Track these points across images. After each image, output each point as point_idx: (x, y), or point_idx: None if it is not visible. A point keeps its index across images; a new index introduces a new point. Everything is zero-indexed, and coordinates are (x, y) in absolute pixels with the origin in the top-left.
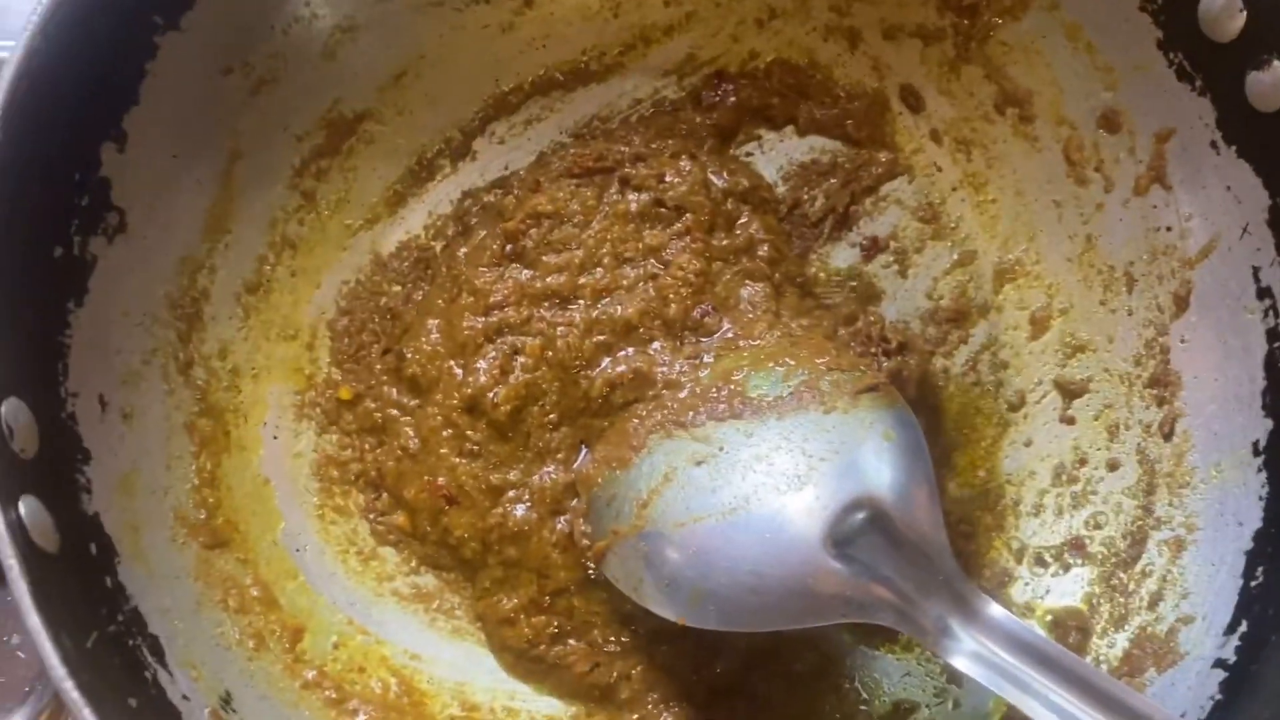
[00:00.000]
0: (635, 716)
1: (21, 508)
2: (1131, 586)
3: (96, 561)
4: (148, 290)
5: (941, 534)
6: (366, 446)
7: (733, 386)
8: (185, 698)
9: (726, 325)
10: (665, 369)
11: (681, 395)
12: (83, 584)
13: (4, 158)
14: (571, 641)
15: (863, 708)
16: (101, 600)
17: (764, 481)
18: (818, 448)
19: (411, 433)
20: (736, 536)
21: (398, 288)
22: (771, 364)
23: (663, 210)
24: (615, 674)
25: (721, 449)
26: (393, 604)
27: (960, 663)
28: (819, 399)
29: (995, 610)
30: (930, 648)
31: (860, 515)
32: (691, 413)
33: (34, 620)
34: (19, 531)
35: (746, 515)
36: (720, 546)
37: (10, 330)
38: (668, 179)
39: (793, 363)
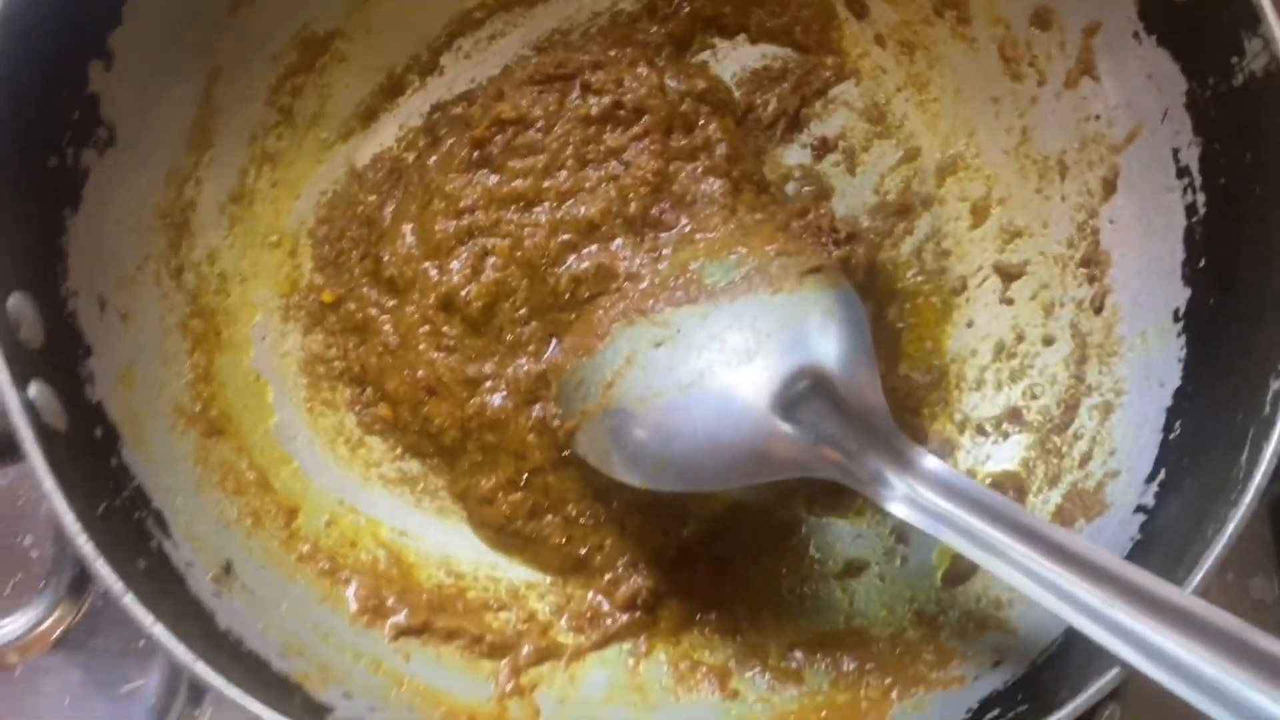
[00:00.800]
0: (607, 578)
1: (32, 390)
2: (1064, 449)
3: (101, 444)
4: (139, 200)
5: (880, 398)
6: (350, 345)
7: (689, 275)
8: (189, 564)
9: (684, 221)
10: (627, 263)
11: (642, 286)
12: (90, 463)
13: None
14: (547, 517)
15: (817, 567)
16: (108, 477)
17: (717, 358)
18: (766, 325)
19: (391, 330)
20: (693, 408)
21: (373, 197)
22: (725, 253)
23: (622, 113)
24: (588, 545)
25: (679, 331)
26: (380, 487)
27: (897, 508)
28: (768, 281)
29: (929, 460)
30: (870, 496)
31: (805, 383)
32: (651, 301)
33: (49, 484)
34: (31, 410)
35: (701, 388)
36: (679, 418)
37: (13, 231)
38: (626, 83)
39: (744, 251)
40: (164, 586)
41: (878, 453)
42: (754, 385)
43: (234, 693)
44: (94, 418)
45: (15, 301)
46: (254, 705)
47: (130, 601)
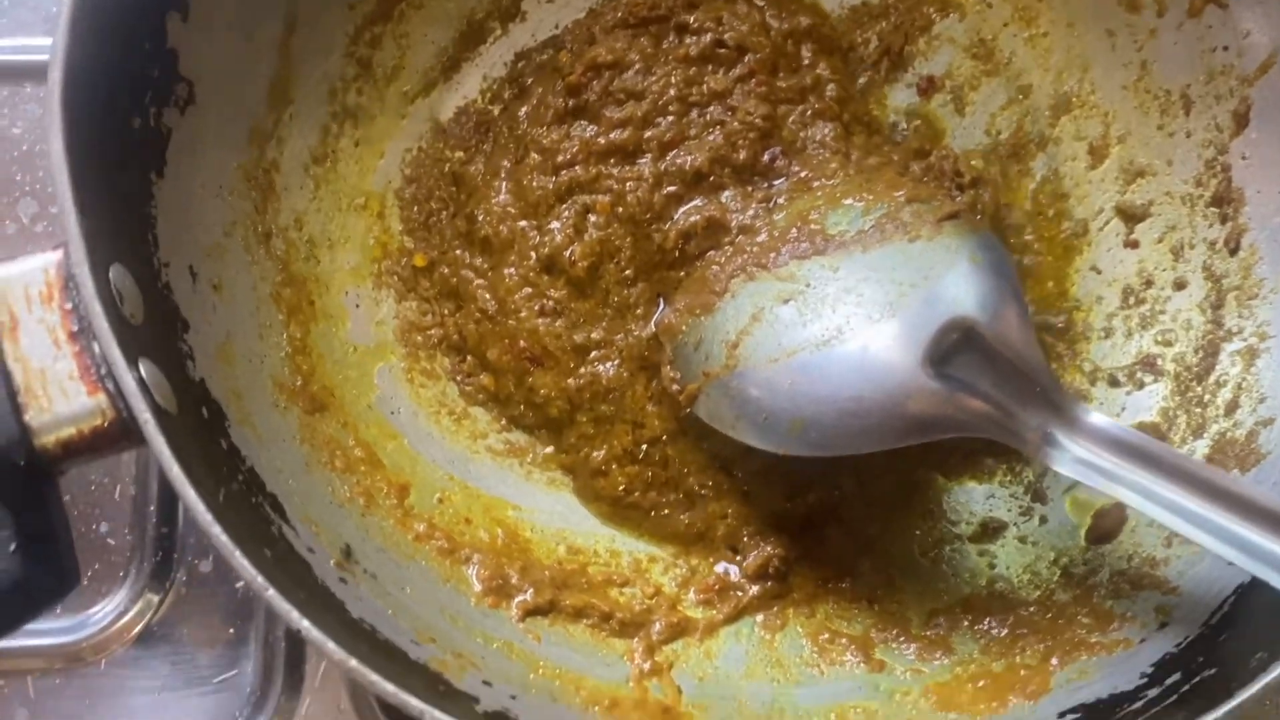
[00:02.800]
0: (732, 550)
1: (141, 369)
2: (1207, 397)
3: (210, 425)
4: (221, 162)
5: (1035, 349)
6: (446, 311)
7: (811, 226)
8: (311, 550)
9: (797, 168)
10: (739, 215)
11: (759, 239)
12: (202, 445)
13: (80, 27)
14: (666, 489)
15: (951, 529)
16: (221, 461)
17: (855, 312)
18: (907, 275)
19: (488, 295)
20: (831, 366)
21: (460, 153)
22: (849, 200)
23: (723, 52)
24: (711, 515)
25: (808, 285)
26: (488, 460)
27: (1066, 468)
28: (902, 229)
29: (1095, 416)
30: (1033, 455)
31: (955, 336)
32: (773, 254)
33: (175, 471)
34: (146, 391)
35: (841, 345)
36: (816, 377)
37: (107, 198)
38: (725, 21)
39: (870, 197)
40: (294, 576)
41: (1040, 409)
42: (900, 340)
43: (389, 689)
44: (199, 397)
45: (116, 274)
46: (414, 703)
47: (274, 596)
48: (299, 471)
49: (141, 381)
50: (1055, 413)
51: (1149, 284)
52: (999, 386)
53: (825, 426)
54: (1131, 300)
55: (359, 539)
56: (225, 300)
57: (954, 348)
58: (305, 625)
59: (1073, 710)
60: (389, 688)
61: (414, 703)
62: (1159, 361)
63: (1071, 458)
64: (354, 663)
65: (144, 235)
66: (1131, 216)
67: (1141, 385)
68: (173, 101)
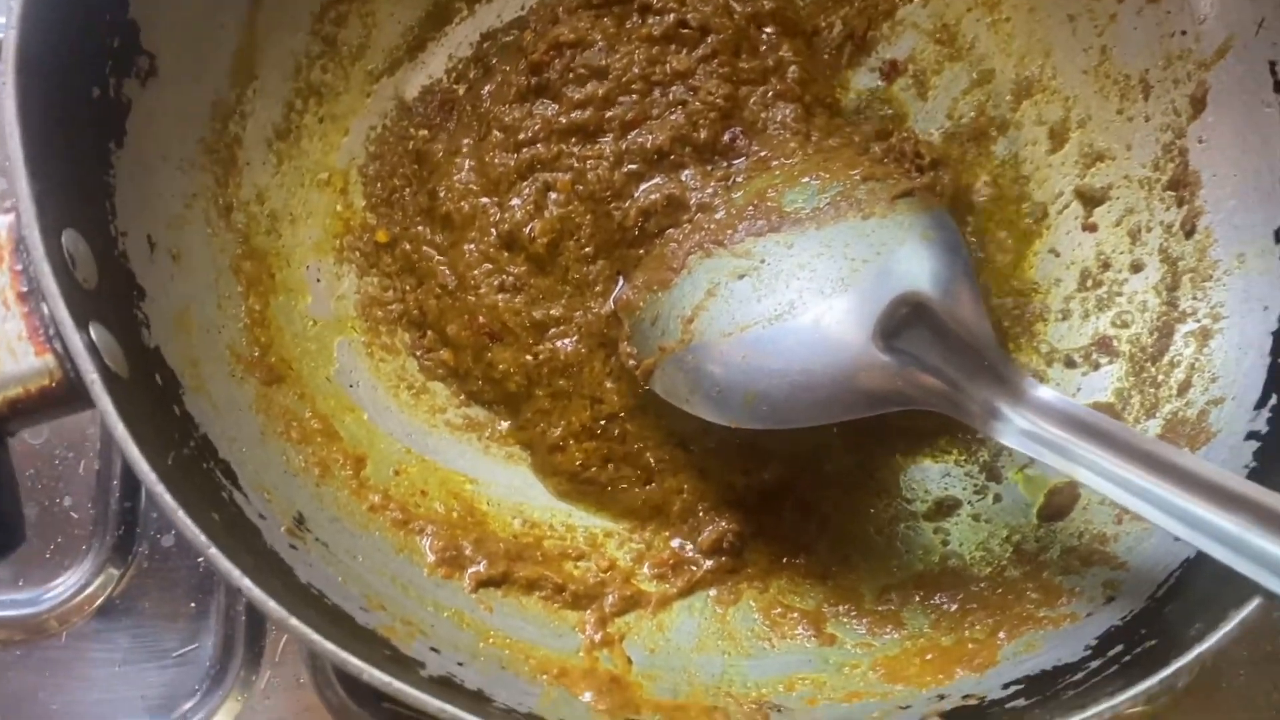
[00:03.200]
0: (687, 525)
1: (92, 332)
2: (1160, 377)
3: (163, 391)
4: (183, 134)
5: (985, 324)
6: (407, 287)
7: (769, 203)
8: (262, 516)
9: (757, 148)
10: (698, 194)
11: (717, 216)
12: (154, 410)
13: None
14: (623, 464)
15: (906, 507)
16: (173, 426)
17: (808, 286)
18: (859, 251)
19: (448, 271)
20: (784, 340)
21: (424, 131)
22: (806, 178)
23: (686, 32)
24: (667, 491)
25: (763, 261)
26: (446, 434)
27: (1011, 440)
28: (857, 206)
29: (1041, 390)
30: (980, 429)
31: (905, 310)
32: (730, 231)
33: (121, 430)
34: (95, 354)
35: (793, 319)
36: (769, 351)
37: (62, 167)
38: (688, 2)
39: (827, 176)
40: (242, 540)
41: (988, 383)
42: (851, 314)
43: (328, 648)
44: (153, 363)
45: (69, 239)
46: (353, 662)
47: (216, 555)
48: (254, 440)
49: (91, 344)
50: (1002, 387)
51: (1106, 266)
52: (948, 361)
53: (777, 400)
54: (1089, 283)
55: (312, 508)
56: (184, 270)
57: (904, 322)
58: (247, 584)
59: (1016, 682)
60: (329, 647)
61: (355, 663)
62: (1114, 343)
63: (1017, 430)
64: (294, 621)
65: (101, 203)
66: (1090, 200)
67: (1097, 366)
68: (134, 73)
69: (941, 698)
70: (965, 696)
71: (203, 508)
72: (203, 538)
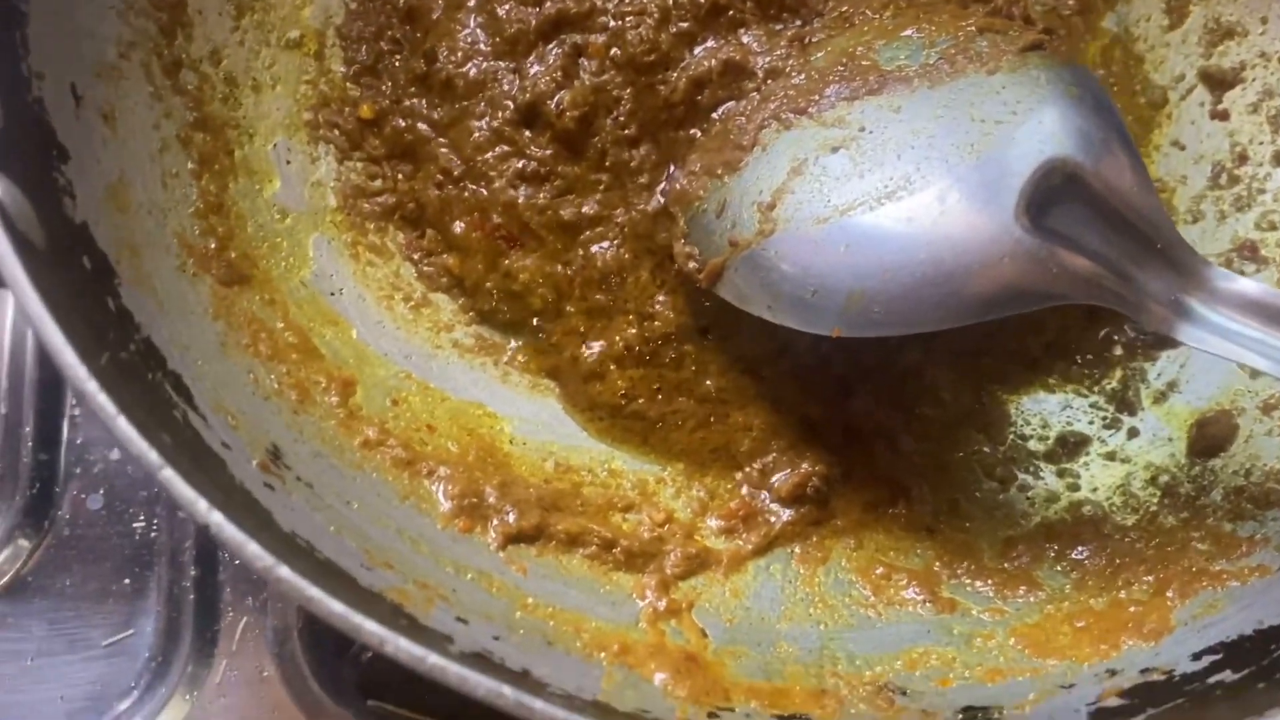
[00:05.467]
0: (759, 468)
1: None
2: None
3: (94, 278)
4: None
5: (1153, 197)
6: (400, 175)
7: (862, 62)
8: (225, 445)
9: (834, 1)
10: (764, 57)
11: (795, 81)
12: (82, 300)
13: None
14: (677, 395)
15: (1023, 445)
16: (107, 324)
17: (928, 155)
18: (989, 111)
19: (452, 155)
20: (898, 225)
21: None
22: (907, 31)
23: None
24: (732, 427)
25: (863, 129)
26: (455, 357)
27: (1202, 342)
28: (978, 59)
29: (1232, 278)
30: (1159, 328)
31: (1055, 181)
32: (814, 97)
33: (37, 307)
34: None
35: (910, 196)
36: (880, 238)
37: None
38: None
39: (932, 28)
40: (203, 470)
41: (1164, 271)
42: (987, 187)
43: (336, 610)
44: (79, 241)
45: None
46: (373, 630)
47: (170, 478)
48: (212, 352)
49: None
50: (1183, 274)
51: (1243, 160)
52: (1110, 243)
53: (892, 298)
54: (1223, 179)
55: (290, 439)
56: (119, 134)
57: (1055, 195)
58: (215, 519)
59: (1210, 650)
60: (337, 608)
61: (377, 630)
62: (1260, 247)
63: (1211, 329)
64: (285, 571)
65: (11, 31)
66: (1219, 83)
67: (1242, 274)
68: None
69: (1113, 674)
70: (1144, 671)
71: (149, 425)
72: (153, 455)
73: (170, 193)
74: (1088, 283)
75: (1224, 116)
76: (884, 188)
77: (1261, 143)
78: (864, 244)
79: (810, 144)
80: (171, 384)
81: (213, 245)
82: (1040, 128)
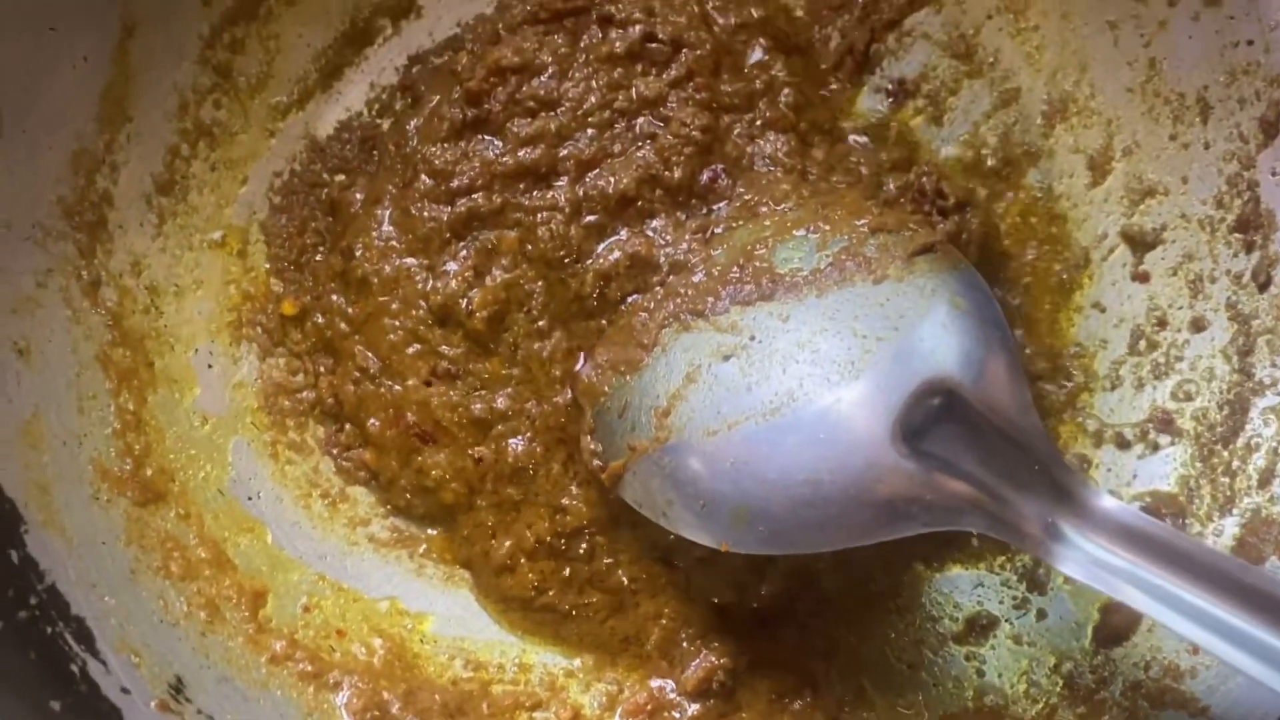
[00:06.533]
0: (667, 659)
1: None
2: (1235, 464)
3: None
4: (34, 196)
5: (1031, 415)
6: (321, 369)
7: (757, 263)
8: (125, 690)
9: (741, 190)
10: (669, 250)
11: (695, 279)
12: None
13: None
14: (589, 587)
15: (932, 628)
16: (6, 582)
17: (810, 372)
18: (872, 325)
19: (368, 352)
20: (783, 441)
21: (340, 176)
22: (802, 231)
23: (655, 48)
24: (643, 616)
25: (753, 338)
26: (370, 552)
27: (1074, 570)
28: (865, 267)
29: (1108, 501)
30: (1036, 554)
31: (934, 401)
32: (710, 298)
33: None
34: None
35: (793, 414)
36: (765, 454)
37: None
38: (658, 11)
39: (827, 227)
40: None
41: (1040, 495)
42: (865, 409)
43: None
44: None
45: None
46: None
47: None
48: (121, 583)
49: None
50: (1059, 495)
51: (1162, 324)
52: (987, 465)
53: (775, 517)
54: (1142, 344)
55: (195, 667)
56: (34, 367)
57: (932, 415)
58: None
59: None
60: None
61: None
62: (1176, 419)
63: (1084, 557)
64: None
65: None
66: (1140, 243)
67: (1156, 448)
68: None
69: None
70: None
71: (35, 696)
72: None
73: (86, 417)
74: (965, 506)
75: (1145, 279)
76: (769, 403)
77: (1180, 307)
78: (749, 461)
79: (705, 349)
80: (73, 632)
81: (129, 465)
82: (920, 345)
